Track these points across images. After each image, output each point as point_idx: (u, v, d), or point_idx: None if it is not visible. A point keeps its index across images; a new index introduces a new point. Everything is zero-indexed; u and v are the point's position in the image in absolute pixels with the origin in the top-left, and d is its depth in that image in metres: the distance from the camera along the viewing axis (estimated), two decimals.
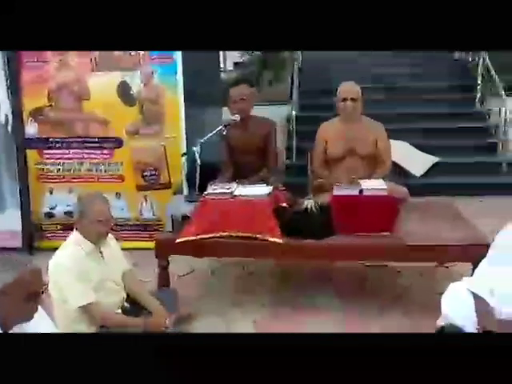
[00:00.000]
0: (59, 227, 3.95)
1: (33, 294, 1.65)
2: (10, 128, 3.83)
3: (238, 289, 3.23)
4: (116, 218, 3.81)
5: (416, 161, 5.38)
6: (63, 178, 3.90)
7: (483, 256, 2.41)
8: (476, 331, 2.21)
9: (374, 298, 3.02)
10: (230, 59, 8.41)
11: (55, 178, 3.91)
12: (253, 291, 3.17)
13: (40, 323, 1.79)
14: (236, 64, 8.41)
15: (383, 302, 2.97)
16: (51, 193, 3.96)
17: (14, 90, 3.78)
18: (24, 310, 1.65)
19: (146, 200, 3.85)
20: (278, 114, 6.13)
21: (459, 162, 5.42)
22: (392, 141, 5.51)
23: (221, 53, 6.71)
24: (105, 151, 3.82)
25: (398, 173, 5.31)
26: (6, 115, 3.82)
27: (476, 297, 2.30)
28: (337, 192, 2.83)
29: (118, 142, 3.80)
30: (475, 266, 2.46)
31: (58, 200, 3.94)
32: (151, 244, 3.56)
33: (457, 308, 2.34)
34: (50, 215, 3.99)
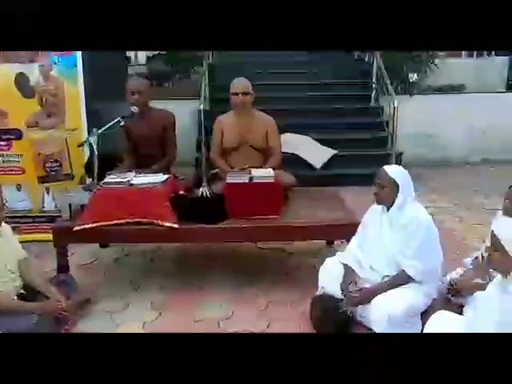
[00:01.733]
0: None
1: None
2: None
3: (139, 275, 3.36)
4: (17, 210, 3.82)
5: (316, 153, 5.77)
6: None
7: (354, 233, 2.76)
8: (343, 297, 2.55)
9: (267, 276, 3.29)
10: (142, 53, 8.39)
11: None
12: (152, 276, 3.32)
13: None
14: (149, 58, 8.39)
15: (275, 279, 3.24)
16: None
17: None
18: None
19: (48, 192, 3.85)
20: (193, 108, 6.27)
21: (355, 154, 5.89)
22: (295, 135, 5.93)
23: None
24: (3, 143, 3.77)
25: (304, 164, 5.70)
26: None
27: (345, 267, 2.64)
28: (229, 180, 3.06)
29: (17, 134, 3.76)
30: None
31: None
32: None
33: (330, 279, 2.67)
34: None
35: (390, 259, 2.51)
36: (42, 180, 3.84)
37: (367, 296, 2.46)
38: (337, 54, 7.42)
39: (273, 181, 3.02)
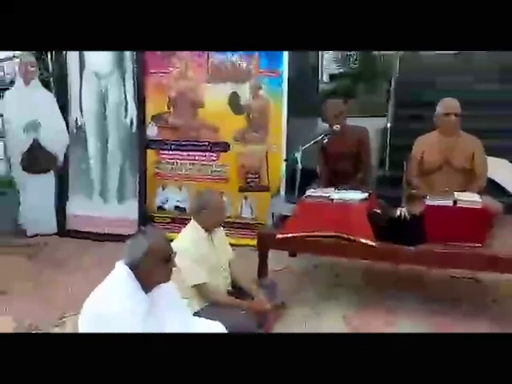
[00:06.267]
0: (168, 220, 4.44)
1: (167, 256, 2.02)
2: (134, 129, 4.41)
3: (326, 287, 3.46)
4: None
5: None
6: (175, 176, 4.39)
7: None
8: None
9: (460, 306, 3.12)
10: (326, 72, 8.66)
11: (168, 176, 4.41)
12: (341, 290, 3.39)
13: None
14: (331, 76, 8.63)
15: (470, 309, 3.06)
16: (163, 189, 4.47)
17: (140, 97, 4.36)
18: (162, 271, 2.03)
19: (246, 200, 4.21)
20: (371, 125, 6.27)
21: None
22: (491, 158, 5.47)
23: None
24: (213, 154, 4.26)
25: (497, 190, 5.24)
26: (132, 119, 4.41)
27: None
28: (430, 202, 2.97)
29: (225, 147, 4.21)
30: None
31: (169, 196, 4.45)
32: (247, 241, 3.95)
33: None
34: (161, 208, 4.50)
35: None
36: (242, 189, 4.22)
37: None
38: None
39: (480, 207, 2.86)
